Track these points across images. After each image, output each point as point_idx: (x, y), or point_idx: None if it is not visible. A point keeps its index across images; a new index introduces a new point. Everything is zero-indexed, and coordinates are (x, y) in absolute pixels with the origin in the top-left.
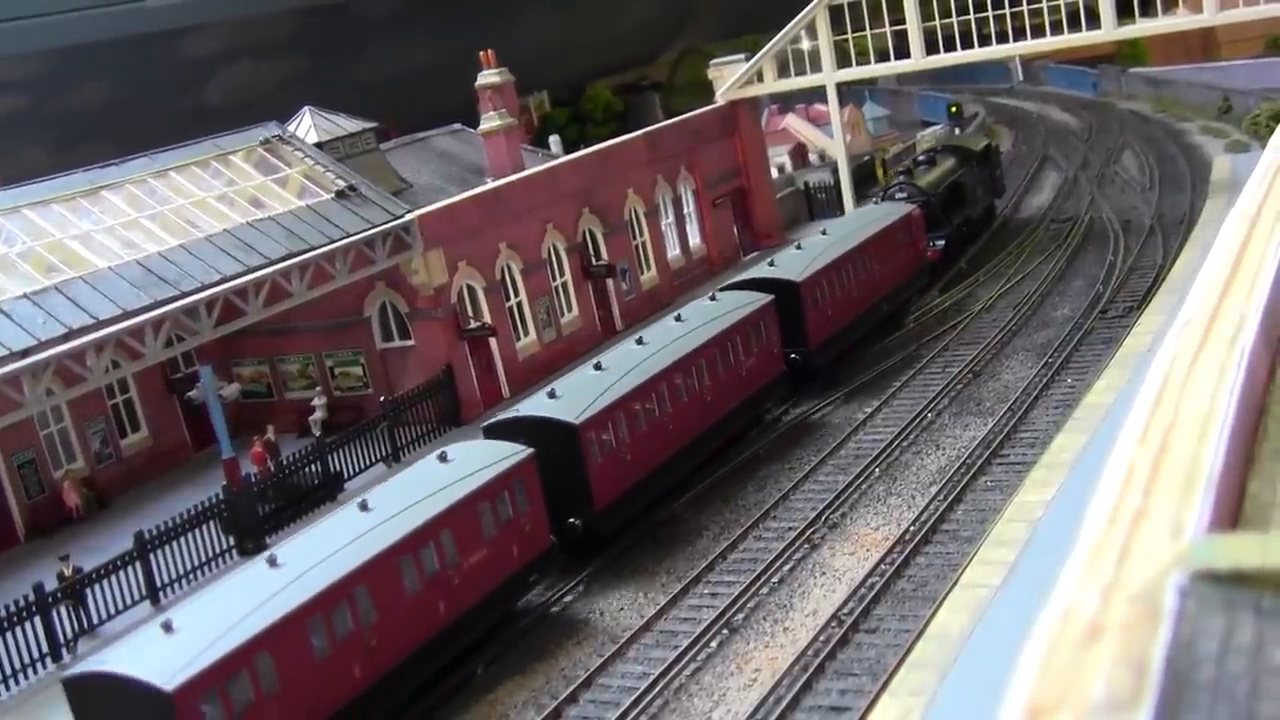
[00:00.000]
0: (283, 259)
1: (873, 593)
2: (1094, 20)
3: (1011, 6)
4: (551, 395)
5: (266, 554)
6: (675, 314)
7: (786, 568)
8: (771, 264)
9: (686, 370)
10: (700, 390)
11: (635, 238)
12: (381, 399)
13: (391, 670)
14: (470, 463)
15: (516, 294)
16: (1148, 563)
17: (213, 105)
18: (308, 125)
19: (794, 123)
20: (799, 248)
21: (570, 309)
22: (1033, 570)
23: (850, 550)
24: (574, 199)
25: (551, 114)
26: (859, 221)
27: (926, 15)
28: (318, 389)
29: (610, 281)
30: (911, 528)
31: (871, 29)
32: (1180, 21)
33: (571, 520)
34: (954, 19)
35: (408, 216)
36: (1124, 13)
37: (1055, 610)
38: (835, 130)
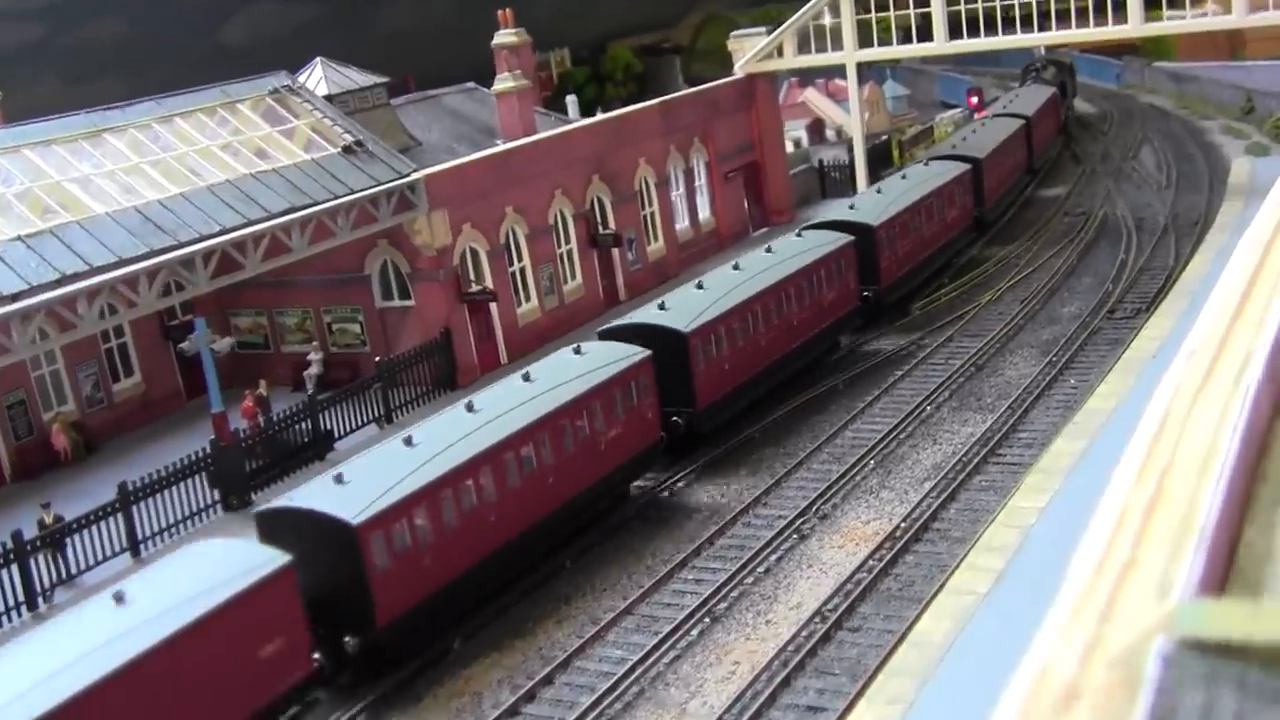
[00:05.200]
0: (284, 213)
1: (859, 589)
2: (1120, 13)
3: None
4: (661, 307)
5: (402, 434)
6: (766, 246)
7: (774, 557)
8: (852, 207)
9: (777, 295)
10: (787, 313)
11: (644, 208)
12: (377, 359)
13: (531, 527)
14: (601, 357)
15: (520, 259)
16: (1132, 623)
17: (231, 45)
18: (318, 77)
19: (813, 97)
20: (879, 191)
21: (574, 277)
22: (1020, 581)
23: (839, 543)
24: (584, 165)
25: (571, 72)
26: (921, 176)
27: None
28: (314, 344)
29: (616, 251)
30: (903, 524)
31: (895, 9)
32: (1208, 22)
33: (675, 418)
34: (979, 4)
35: (414, 176)
36: (1151, 6)
37: (1032, 668)
38: (853, 109)
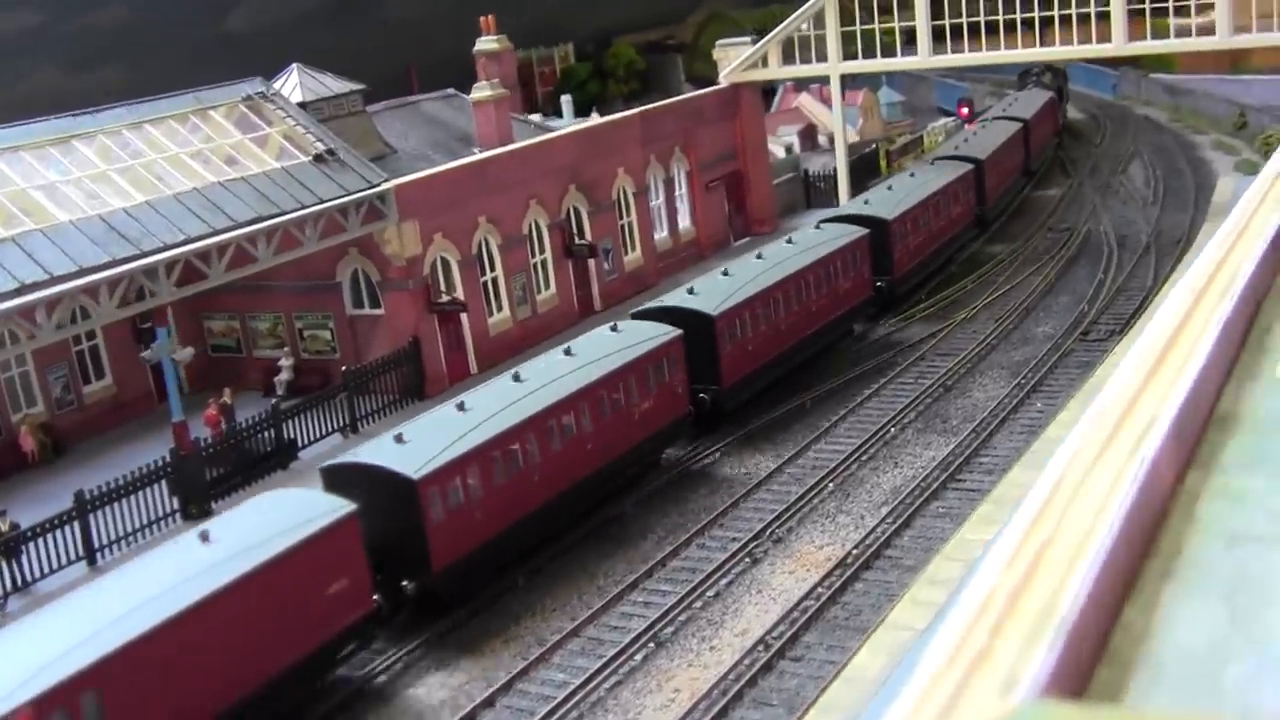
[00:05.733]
0: (250, 222)
1: (805, 616)
2: (1105, 32)
3: (1023, 11)
4: (690, 291)
5: (455, 400)
6: (787, 237)
7: (724, 581)
8: (866, 202)
9: (797, 282)
10: (806, 300)
11: (622, 217)
12: (343, 368)
13: (571, 488)
14: (636, 335)
15: (493, 269)
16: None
17: (234, 34)
18: (294, 83)
19: (807, 102)
20: (890, 188)
21: (548, 286)
22: None
23: (791, 569)
24: (561, 175)
25: (574, 68)
26: (928, 175)
27: (936, 13)
28: (285, 349)
29: (592, 261)
30: (855, 550)
31: (880, 22)
32: (1192, 42)
33: (701, 394)
34: (964, 19)
35: (384, 185)
36: (1141, 16)
37: None
38: (836, 120)
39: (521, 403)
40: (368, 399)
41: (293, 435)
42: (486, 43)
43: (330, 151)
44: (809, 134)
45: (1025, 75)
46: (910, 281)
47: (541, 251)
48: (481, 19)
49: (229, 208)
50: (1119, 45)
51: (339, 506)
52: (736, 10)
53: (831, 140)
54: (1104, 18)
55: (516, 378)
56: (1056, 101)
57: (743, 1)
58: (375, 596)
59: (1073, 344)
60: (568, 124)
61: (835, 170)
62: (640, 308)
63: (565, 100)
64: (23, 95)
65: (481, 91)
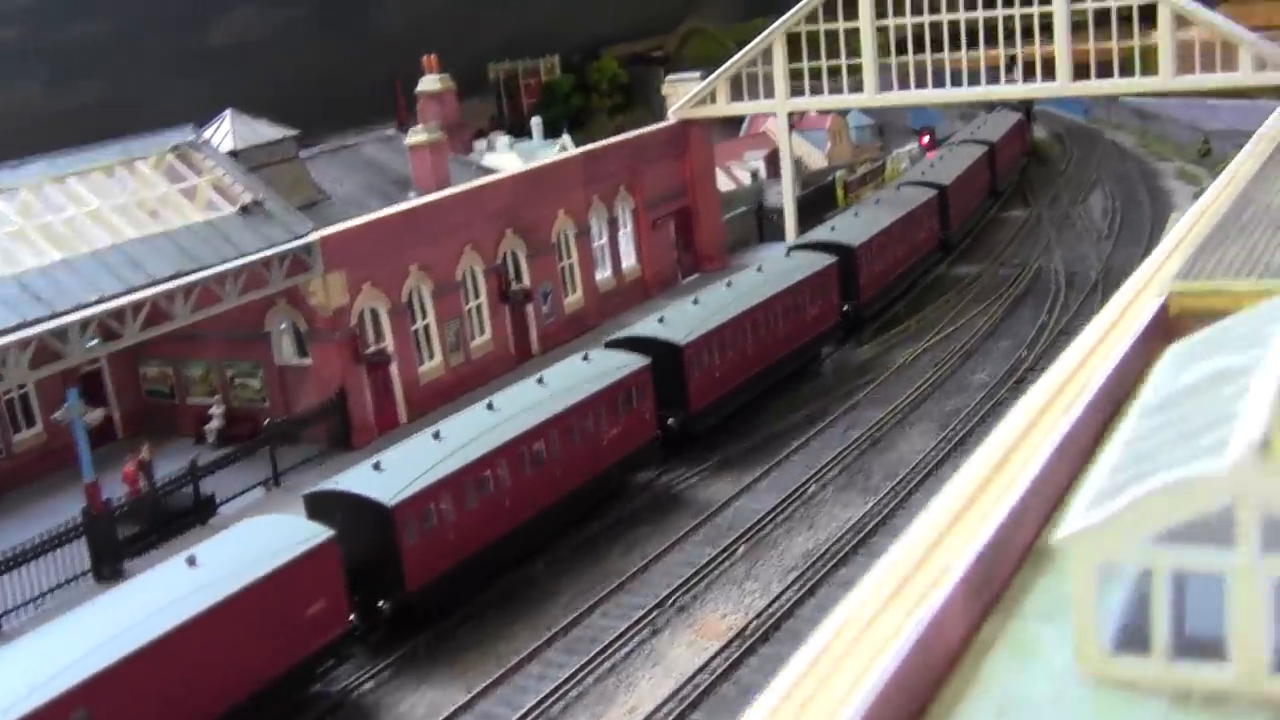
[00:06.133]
0: (169, 278)
1: (696, 693)
2: (1050, 72)
3: (969, 50)
4: (661, 320)
5: (430, 429)
6: (757, 266)
7: (623, 652)
8: (833, 229)
9: (765, 310)
10: (774, 327)
11: (563, 259)
12: (265, 421)
13: (541, 511)
14: (606, 364)
15: (424, 316)
16: None
17: (216, 47)
18: (225, 130)
19: (775, 128)
20: (856, 215)
21: (483, 332)
22: None
23: (690, 639)
24: (498, 219)
25: (557, 80)
26: (893, 201)
27: (884, 51)
28: (216, 398)
29: (530, 305)
30: (757, 620)
31: (827, 60)
32: (1137, 83)
33: (669, 420)
34: (910, 58)
35: (311, 237)
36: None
37: None
38: (784, 158)
39: (493, 431)
40: (292, 451)
41: (212, 491)
42: (429, 82)
43: (257, 202)
44: (776, 160)
45: None
46: (876, 305)
47: (476, 297)
48: (424, 58)
49: (148, 264)
50: (1064, 85)
51: (318, 533)
52: (719, 23)
53: (799, 165)
54: (1049, 67)
55: (490, 406)
56: (1025, 123)
57: (729, 16)
58: (351, 617)
59: (1006, 393)
60: (536, 146)
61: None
62: (613, 337)
63: (535, 123)
64: (3, 111)
65: (417, 136)
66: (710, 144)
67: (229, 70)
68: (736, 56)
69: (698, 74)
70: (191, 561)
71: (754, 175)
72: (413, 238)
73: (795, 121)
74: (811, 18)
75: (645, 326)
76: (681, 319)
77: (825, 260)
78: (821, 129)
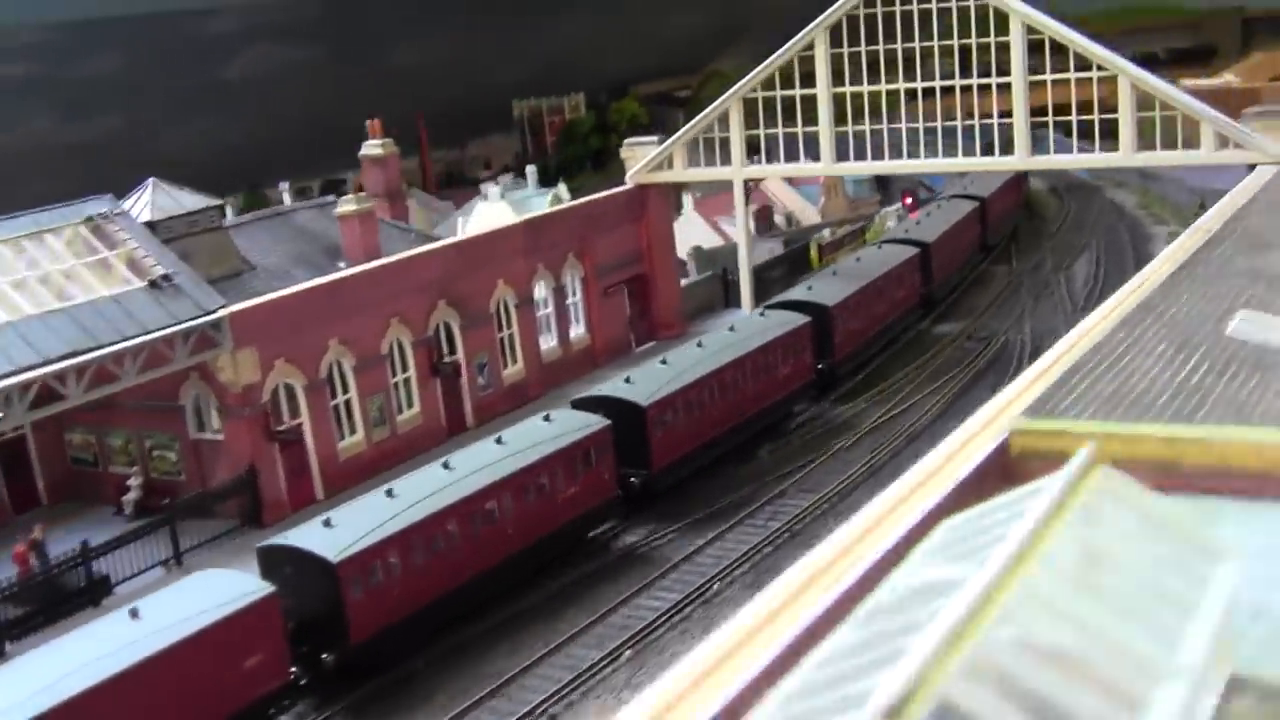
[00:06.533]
0: (62, 358)
1: None
2: (1009, 146)
3: (926, 121)
4: (627, 380)
5: (384, 488)
6: (730, 325)
7: None
8: (810, 288)
9: (734, 370)
10: (743, 387)
11: (502, 329)
12: (165, 500)
13: (492, 567)
14: (566, 425)
15: (345, 391)
16: None
17: (232, 82)
18: (146, 201)
19: (767, 181)
20: (834, 273)
21: (411, 405)
22: None
23: None
24: (428, 290)
25: (577, 120)
26: (873, 259)
27: (840, 119)
28: (135, 468)
29: (463, 377)
30: None
31: (784, 127)
32: (1095, 159)
33: (632, 478)
34: (867, 127)
35: (220, 313)
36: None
37: None
38: (740, 227)
39: (444, 490)
40: (205, 526)
41: (106, 572)
42: (371, 148)
43: (166, 277)
44: (765, 215)
45: None
46: (852, 363)
47: (404, 370)
48: (369, 122)
49: (43, 343)
50: (1021, 159)
51: (259, 588)
52: (751, 65)
53: (790, 220)
54: (1007, 143)
55: (446, 465)
56: (1022, 176)
57: (761, 56)
58: (292, 669)
59: None
60: (530, 194)
61: (778, 254)
62: (579, 396)
63: (530, 170)
64: (21, 145)
65: (346, 205)
66: (669, 208)
67: (243, 105)
68: (693, 121)
69: (656, 138)
70: (134, 613)
71: None
72: (333, 311)
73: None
74: (768, 84)
75: (611, 386)
76: (647, 379)
77: (799, 320)
78: (815, 183)
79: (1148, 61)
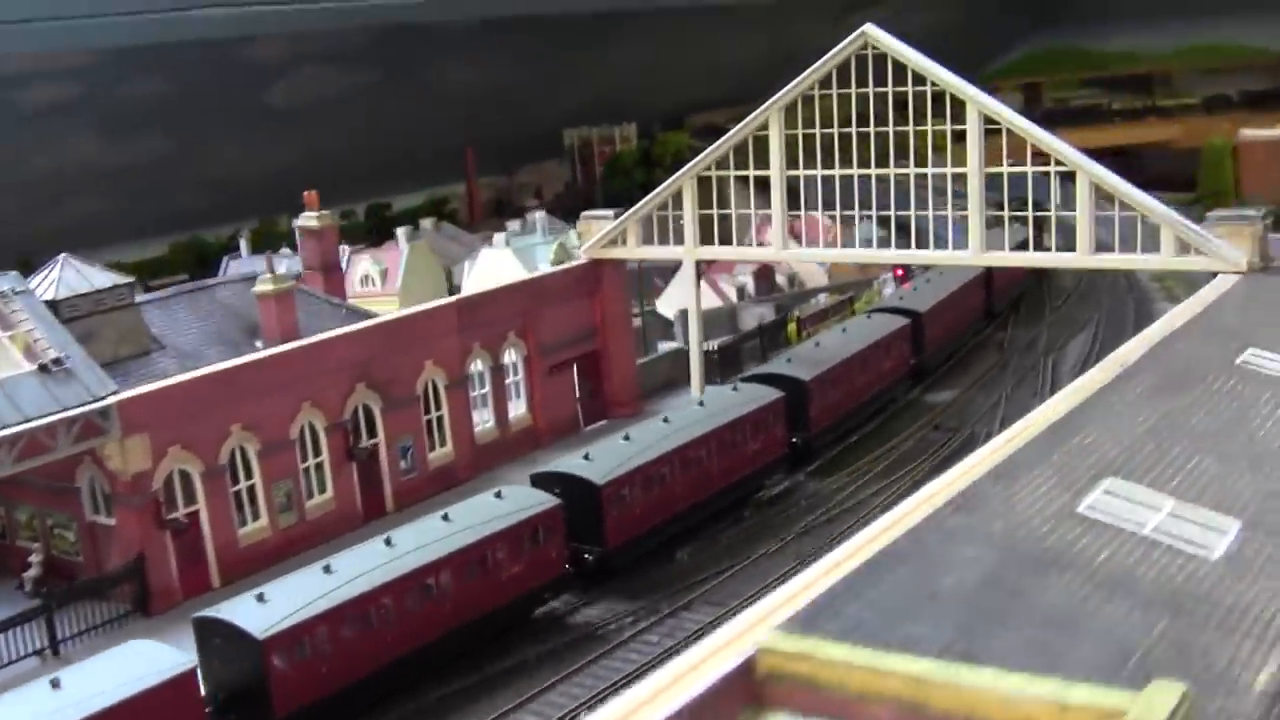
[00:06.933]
0: None
1: None
2: (962, 243)
3: (880, 210)
4: (586, 457)
5: (323, 562)
6: (699, 400)
7: None
8: (789, 360)
9: (699, 447)
10: (707, 463)
11: (429, 411)
12: (44, 590)
13: (427, 644)
14: (516, 503)
15: (249, 477)
16: None
17: (276, 105)
18: (53, 278)
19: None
20: (818, 345)
21: (323, 490)
22: None
23: None
24: (346, 373)
25: (621, 154)
26: (860, 329)
27: (793, 204)
28: (37, 545)
29: (384, 461)
30: None
31: (736, 209)
32: (1052, 258)
33: (587, 555)
34: (819, 214)
35: (109, 400)
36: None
37: None
38: (691, 308)
39: (380, 568)
40: (81, 617)
41: None
42: (307, 219)
43: (58, 360)
44: (765, 274)
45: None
46: (829, 436)
47: (316, 455)
48: (305, 193)
49: None
50: (975, 255)
51: (180, 663)
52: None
53: (792, 281)
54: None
55: (388, 542)
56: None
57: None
58: None
59: None
60: (536, 242)
61: (764, 323)
62: (537, 471)
63: (538, 217)
64: (62, 162)
65: (264, 285)
66: (624, 283)
67: (290, 130)
68: (647, 198)
69: (611, 212)
70: (55, 684)
71: (740, 293)
72: (236, 396)
73: (798, 231)
74: (723, 163)
75: (568, 463)
76: (606, 456)
77: (771, 395)
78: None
79: (1218, 102)
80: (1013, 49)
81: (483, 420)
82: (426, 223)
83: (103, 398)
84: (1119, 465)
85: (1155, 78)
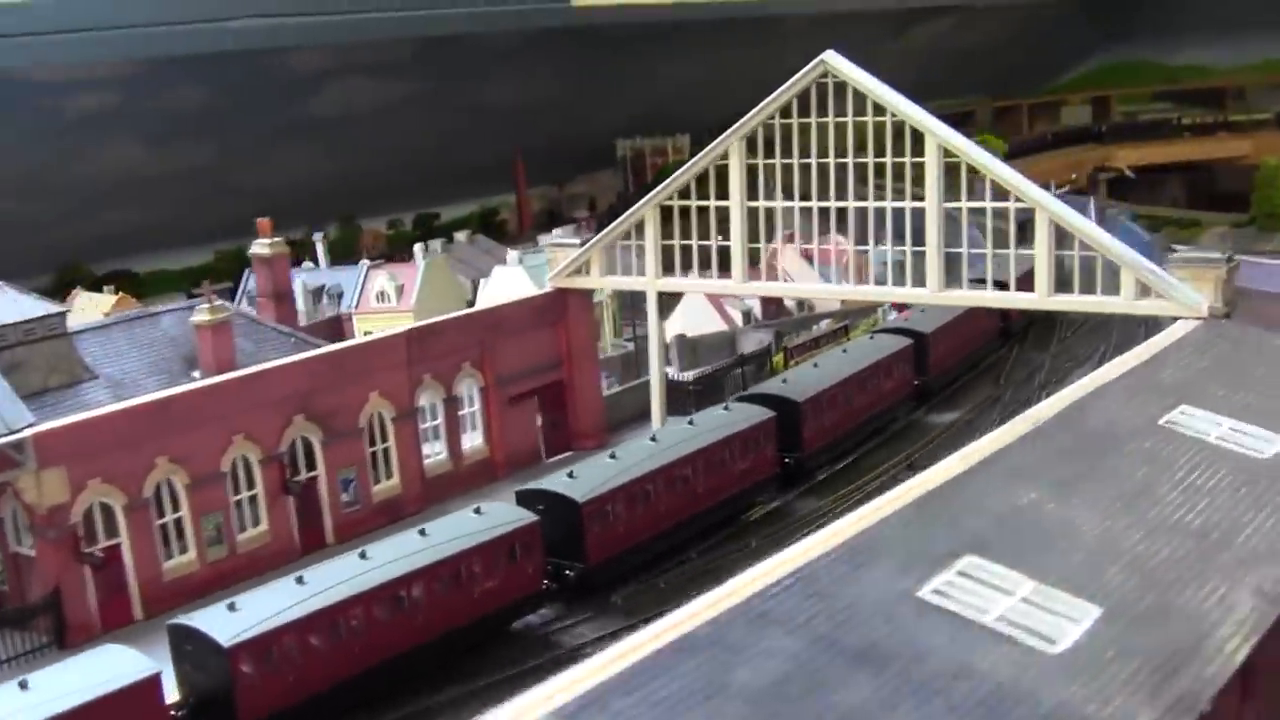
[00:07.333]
0: None
1: None
2: (920, 280)
3: (838, 245)
4: (570, 475)
5: (295, 575)
6: (689, 419)
7: None
8: (785, 381)
9: (685, 465)
10: (693, 482)
11: (375, 444)
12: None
13: (398, 656)
14: (494, 519)
15: (176, 509)
16: None
17: (320, 116)
18: None
19: (787, 259)
20: (816, 366)
21: (257, 523)
22: None
23: None
24: (284, 405)
25: (669, 165)
26: (861, 350)
27: (753, 235)
28: None
29: (324, 494)
30: None
31: (698, 239)
32: (1010, 298)
33: (568, 571)
34: (780, 246)
35: (24, 432)
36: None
37: None
38: (652, 335)
39: (354, 579)
40: (16, 641)
41: None
42: (259, 247)
43: None
44: (775, 298)
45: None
46: (823, 456)
47: (250, 488)
48: (258, 221)
49: None
50: (933, 293)
51: (146, 669)
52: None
53: (802, 305)
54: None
55: (363, 555)
56: None
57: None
58: None
59: None
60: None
61: (720, 368)
62: (523, 488)
63: (556, 233)
64: (101, 169)
65: (200, 315)
66: (590, 312)
67: (338, 140)
68: (610, 227)
69: (579, 240)
70: (24, 685)
71: (746, 316)
72: (162, 428)
73: (810, 254)
74: (685, 193)
75: (551, 480)
76: (590, 474)
77: (763, 414)
78: (828, 266)
79: None
80: (1085, 61)
81: (434, 452)
82: (461, 235)
83: (18, 430)
84: (984, 542)
85: (1228, 92)
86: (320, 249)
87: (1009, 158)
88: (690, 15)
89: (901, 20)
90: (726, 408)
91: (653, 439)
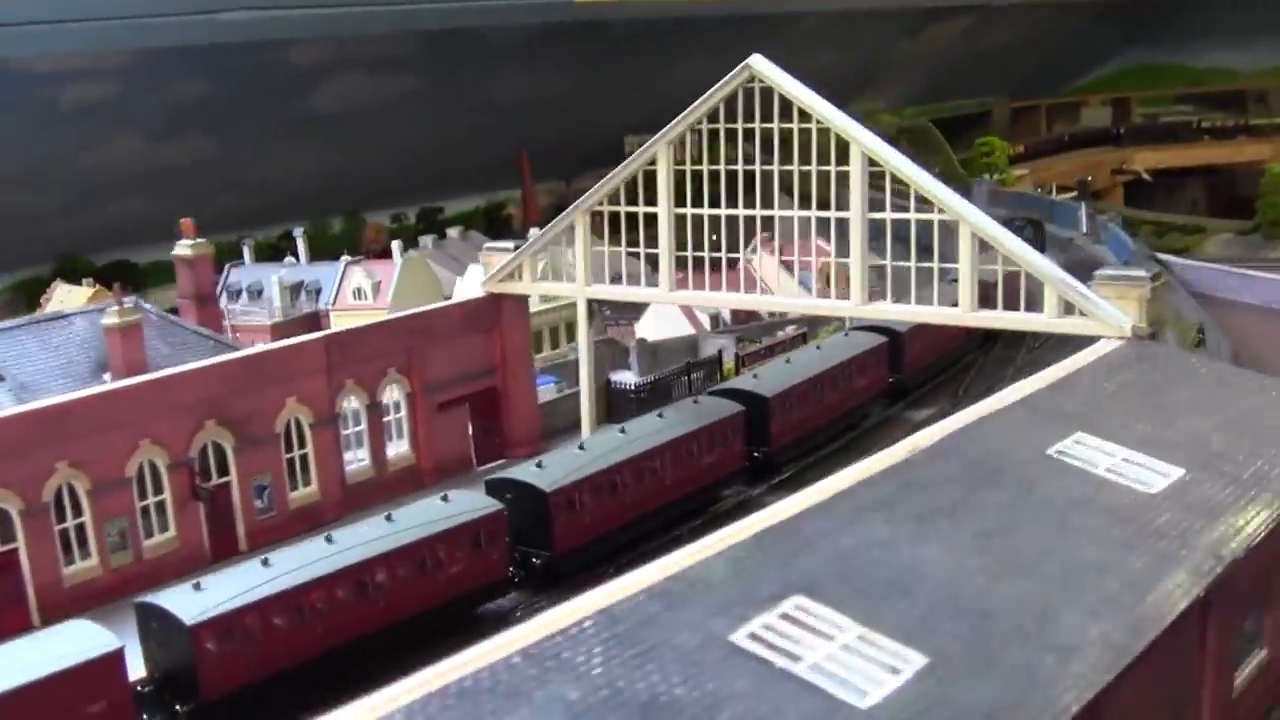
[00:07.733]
0: None
1: None
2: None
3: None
4: (539, 465)
5: (260, 557)
6: (658, 412)
7: None
8: (755, 376)
9: (652, 458)
10: (660, 473)
11: (292, 450)
12: None
13: (361, 636)
14: (460, 506)
15: (78, 515)
16: None
17: (320, 111)
18: None
19: (763, 263)
20: (788, 362)
21: (165, 529)
22: None
23: None
24: (193, 410)
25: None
26: (834, 348)
27: (681, 244)
28: None
29: (236, 500)
30: None
31: (626, 246)
32: (933, 312)
33: (535, 559)
34: (706, 255)
35: None
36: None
37: None
38: (581, 346)
39: (318, 563)
40: None
41: None
42: (182, 248)
43: None
44: None
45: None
46: (792, 451)
47: (158, 493)
48: (182, 220)
49: None
50: (856, 306)
51: (108, 644)
52: (892, 107)
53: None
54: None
55: (329, 539)
56: None
57: (903, 99)
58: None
59: None
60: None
61: (669, 374)
62: (493, 477)
63: (533, 235)
64: (103, 161)
65: (110, 318)
66: (526, 318)
67: (341, 134)
68: (540, 233)
69: (513, 244)
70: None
71: (714, 321)
72: (63, 433)
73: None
74: (614, 198)
75: (521, 470)
76: (558, 464)
77: (731, 408)
78: (808, 272)
79: None
80: (1107, 63)
81: (357, 459)
82: (453, 231)
83: None
84: (815, 582)
85: (1250, 95)
86: (300, 245)
87: (1024, 159)
88: (703, 12)
89: (919, 18)
90: (696, 401)
91: (621, 430)
